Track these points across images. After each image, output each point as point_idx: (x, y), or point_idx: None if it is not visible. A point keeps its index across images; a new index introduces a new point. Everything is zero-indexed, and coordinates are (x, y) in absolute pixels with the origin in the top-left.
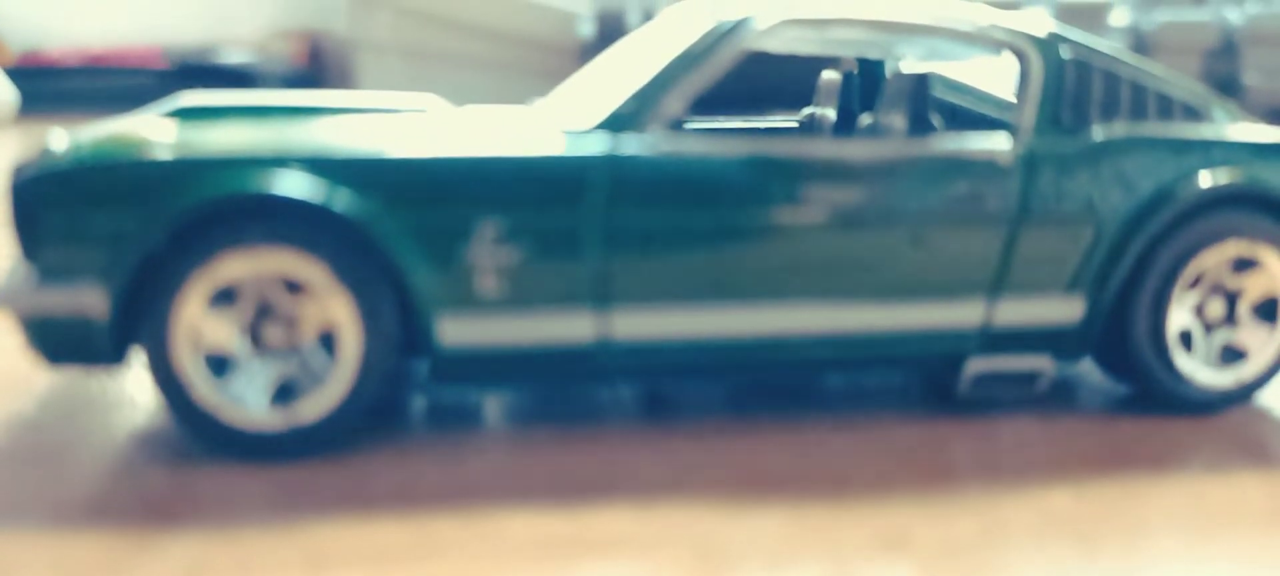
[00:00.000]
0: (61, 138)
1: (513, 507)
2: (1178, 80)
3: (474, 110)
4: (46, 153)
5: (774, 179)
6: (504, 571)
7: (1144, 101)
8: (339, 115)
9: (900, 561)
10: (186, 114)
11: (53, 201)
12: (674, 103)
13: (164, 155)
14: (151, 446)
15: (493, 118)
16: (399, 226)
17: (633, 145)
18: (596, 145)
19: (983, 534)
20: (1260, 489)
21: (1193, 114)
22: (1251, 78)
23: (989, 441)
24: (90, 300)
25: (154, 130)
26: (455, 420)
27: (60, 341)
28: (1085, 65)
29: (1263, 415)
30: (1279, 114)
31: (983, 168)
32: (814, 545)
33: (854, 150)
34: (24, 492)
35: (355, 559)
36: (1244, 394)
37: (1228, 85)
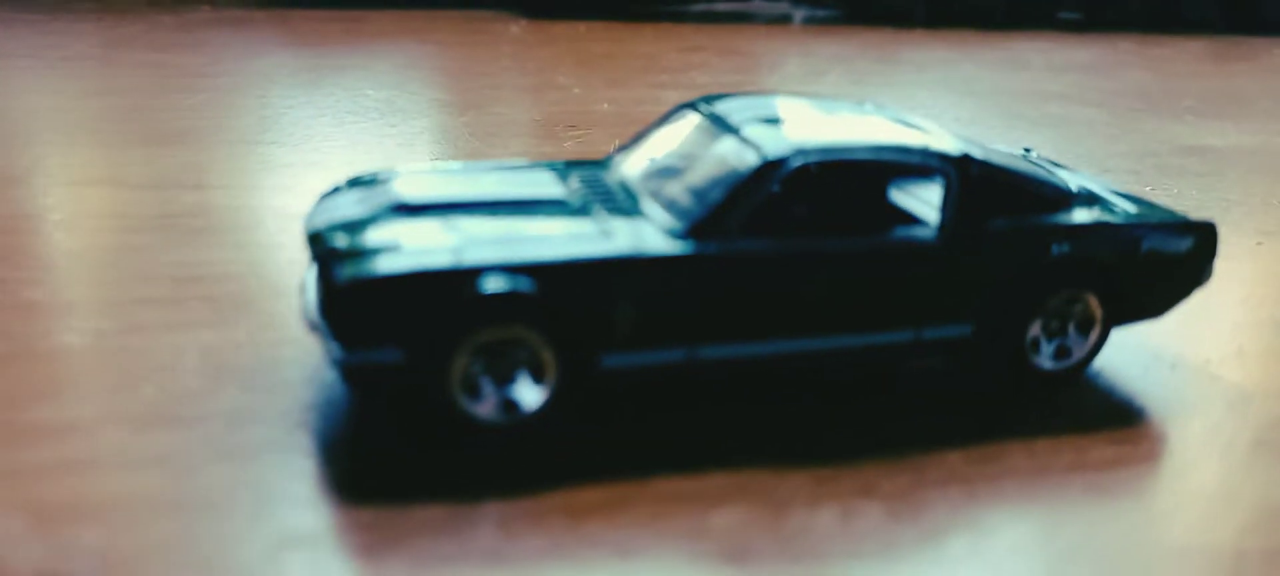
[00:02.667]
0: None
1: (658, 471)
2: (1059, 179)
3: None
4: (352, 252)
5: (805, 265)
6: (663, 516)
7: (1025, 198)
8: (524, 213)
9: (872, 503)
10: (418, 209)
11: (368, 298)
12: (737, 218)
13: (445, 264)
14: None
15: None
16: (580, 302)
17: (711, 247)
18: (689, 247)
19: (913, 484)
20: (1057, 439)
21: (1059, 206)
22: None
23: (911, 417)
24: (393, 361)
25: (422, 235)
26: (603, 419)
27: (371, 386)
28: (986, 175)
29: (1081, 389)
30: (1159, 2)
31: (923, 249)
32: (824, 493)
33: (850, 244)
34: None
35: (557, 510)
36: (1070, 378)
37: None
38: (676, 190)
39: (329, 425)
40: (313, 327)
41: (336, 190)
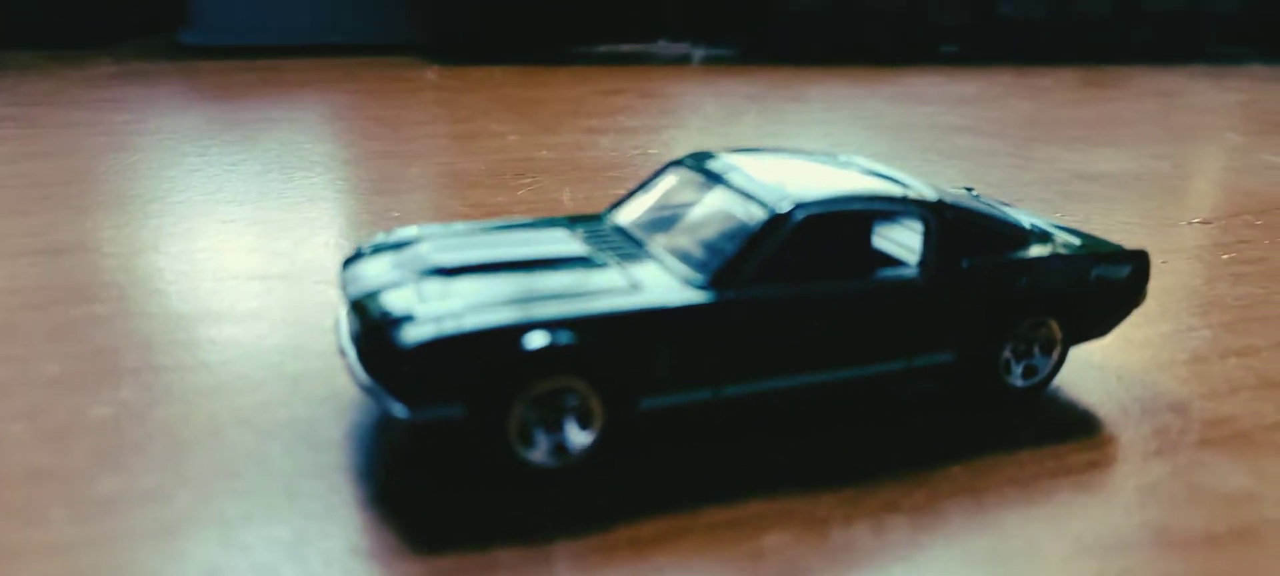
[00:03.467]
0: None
1: (706, 503)
2: (1013, 217)
3: (616, 261)
4: (407, 316)
5: (811, 306)
6: (719, 543)
7: (993, 238)
8: (557, 270)
9: (898, 516)
10: (457, 271)
11: (433, 359)
12: (752, 267)
13: (503, 322)
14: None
15: (643, 269)
16: (624, 351)
17: (729, 294)
18: (711, 296)
19: (929, 497)
20: (1038, 449)
21: (1021, 243)
22: (1005, 7)
23: (911, 438)
24: (454, 414)
25: (471, 296)
26: (651, 458)
27: (432, 433)
28: (960, 218)
29: (1047, 404)
30: (1029, 34)
31: (910, 287)
32: (855, 511)
33: (849, 286)
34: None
35: (624, 544)
36: (1036, 392)
37: (987, 14)
38: (689, 243)
39: (382, 478)
40: (368, 390)
41: (360, 255)
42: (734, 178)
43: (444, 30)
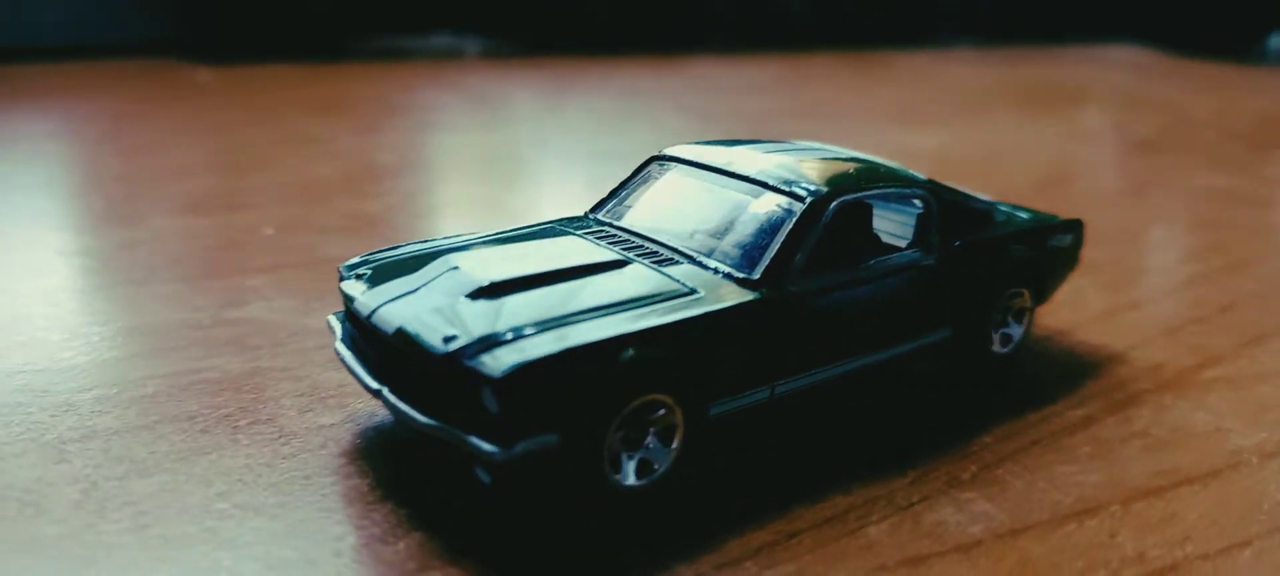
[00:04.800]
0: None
1: (792, 504)
2: (988, 200)
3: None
4: (484, 342)
5: (850, 294)
6: (830, 541)
7: (972, 216)
8: (604, 279)
9: (968, 491)
10: (503, 289)
11: (530, 384)
12: (796, 259)
13: (595, 337)
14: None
15: (684, 271)
16: (699, 358)
17: (781, 290)
18: (765, 292)
19: (981, 468)
20: (1039, 410)
21: (991, 220)
22: (796, 4)
23: (924, 414)
24: (550, 446)
25: (541, 312)
26: (711, 468)
27: (525, 477)
28: (952, 201)
29: (1021, 363)
30: (789, 22)
31: (925, 268)
32: (930, 491)
33: (876, 270)
34: None
35: (744, 557)
36: (1014, 355)
37: (779, 13)
38: (719, 241)
39: (467, 525)
40: (435, 435)
41: (366, 281)
42: (741, 170)
43: (205, 27)
